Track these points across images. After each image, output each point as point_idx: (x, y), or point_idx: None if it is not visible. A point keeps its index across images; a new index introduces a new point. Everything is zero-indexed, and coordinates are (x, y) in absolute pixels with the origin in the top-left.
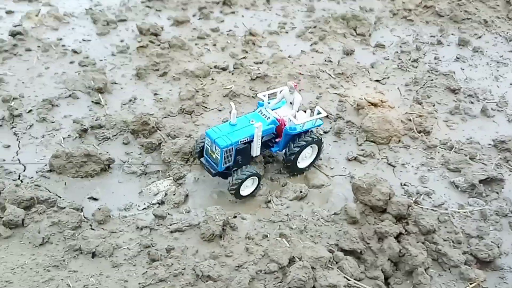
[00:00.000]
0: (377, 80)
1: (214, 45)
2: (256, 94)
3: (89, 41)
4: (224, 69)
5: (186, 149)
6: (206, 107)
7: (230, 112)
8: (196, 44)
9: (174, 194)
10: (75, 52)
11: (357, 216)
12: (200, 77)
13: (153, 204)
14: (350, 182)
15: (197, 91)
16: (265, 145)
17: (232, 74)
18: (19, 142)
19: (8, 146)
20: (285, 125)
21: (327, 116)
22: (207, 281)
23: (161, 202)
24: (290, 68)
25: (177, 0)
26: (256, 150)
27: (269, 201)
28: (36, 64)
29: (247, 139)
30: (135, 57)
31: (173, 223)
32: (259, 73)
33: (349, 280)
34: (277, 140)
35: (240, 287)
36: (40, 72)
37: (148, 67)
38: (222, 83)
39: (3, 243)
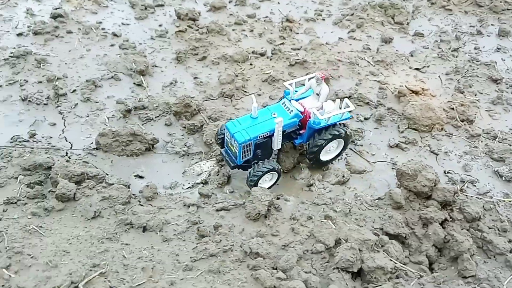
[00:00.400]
0: (417, 69)
1: (251, 31)
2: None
3: (128, 25)
4: (262, 54)
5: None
6: (245, 92)
7: (253, 103)
8: (233, 30)
9: (217, 175)
10: (115, 35)
11: (401, 202)
12: (239, 62)
13: (197, 183)
14: (393, 168)
15: (237, 76)
16: (288, 136)
17: (270, 59)
18: (65, 120)
19: (54, 124)
20: (310, 117)
21: (368, 104)
22: (255, 258)
23: (205, 182)
24: (328, 54)
25: None
26: (277, 144)
27: (311, 185)
28: (78, 46)
29: (267, 134)
30: (174, 41)
31: (218, 202)
32: (298, 59)
33: (395, 263)
34: (301, 132)
35: (288, 265)
36: (81, 54)
37: (188, 51)
38: (261, 68)
39: (56, 215)
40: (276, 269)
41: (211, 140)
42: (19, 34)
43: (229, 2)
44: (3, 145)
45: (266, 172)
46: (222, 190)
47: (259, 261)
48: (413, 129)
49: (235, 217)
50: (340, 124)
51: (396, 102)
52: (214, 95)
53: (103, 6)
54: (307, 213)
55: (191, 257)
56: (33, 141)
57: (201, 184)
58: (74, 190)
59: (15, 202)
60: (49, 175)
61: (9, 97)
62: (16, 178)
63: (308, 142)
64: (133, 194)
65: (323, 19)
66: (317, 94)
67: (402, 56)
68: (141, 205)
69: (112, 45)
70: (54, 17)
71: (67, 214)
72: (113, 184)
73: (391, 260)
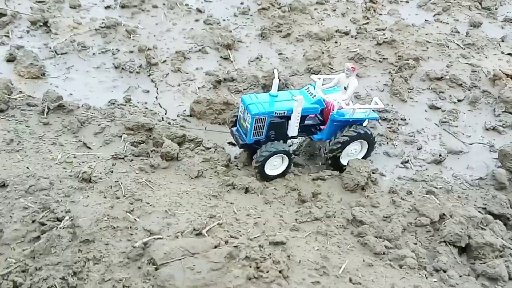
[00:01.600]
0: (509, 54)
1: (334, 10)
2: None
3: (211, 2)
4: (346, 33)
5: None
6: (332, 68)
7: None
8: (315, 9)
9: (309, 146)
10: (199, 11)
11: (505, 182)
12: (324, 40)
13: None
14: (490, 151)
15: (323, 53)
16: (307, 130)
17: (356, 38)
18: (157, 88)
19: (148, 91)
20: (333, 110)
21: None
22: (358, 226)
23: (297, 154)
24: (416, 36)
25: None
26: (293, 129)
27: (407, 162)
28: (164, 20)
29: (284, 113)
30: (256, 19)
31: (313, 172)
32: (386, 38)
33: (504, 241)
34: (322, 127)
35: (393, 235)
36: (168, 28)
37: (272, 28)
38: (347, 46)
39: (161, 172)
40: (380, 237)
41: None
42: (107, 7)
43: None
44: (103, 107)
45: (275, 154)
46: (314, 161)
47: (365, 228)
48: (510, 113)
49: (332, 187)
50: (365, 125)
51: (490, 85)
52: (300, 71)
53: None
54: (406, 188)
55: (296, 219)
56: (129, 105)
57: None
58: (177, 150)
59: (123, 158)
60: (150, 136)
61: (102, 65)
62: (120, 136)
63: (328, 140)
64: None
65: (407, 2)
66: (345, 88)
67: (493, 41)
68: (239, 169)
69: (196, 20)
70: None
71: (171, 172)
72: (210, 148)
73: (498, 238)
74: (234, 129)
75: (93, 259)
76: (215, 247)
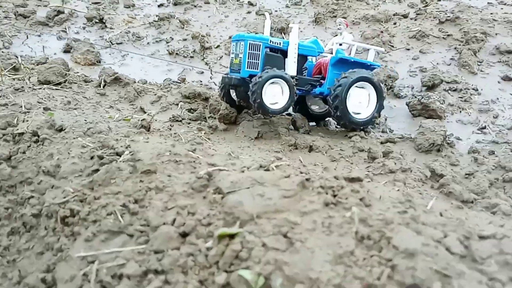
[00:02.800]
0: None
1: None
2: None
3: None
4: (405, 16)
5: (381, 77)
6: (393, 46)
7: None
8: None
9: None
10: (250, 4)
11: None
12: (382, 22)
13: None
14: None
15: (382, 32)
16: (307, 84)
17: (415, 20)
18: (211, 69)
19: (202, 72)
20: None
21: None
22: (438, 180)
23: None
24: (480, 15)
25: None
26: (291, 66)
27: (484, 127)
28: (216, 13)
29: (279, 44)
30: (309, 8)
31: (381, 136)
32: (449, 16)
33: None
34: (322, 82)
35: (479, 189)
36: (220, 19)
37: (326, 14)
38: (407, 26)
39: (220, 134)
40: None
41: None
42: (160, 5)
43: None
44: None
45: (271, 78)
46: (381, 129)
47: (447, 179)
48: None
49: (404, 149)
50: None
51: None
52: (359, 50)
53: None
54: (488, 149)
55: (367, 172)
56: (184, 84)
57: None
58: (236, 114)
59: (180, 120)
60: (207, 105)
61: (156, 52)
62: (177, 104)
63: (329, 91)
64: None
65: None
66: (340, 45)
67: None
68: (301, 133)
69: (248, 12)
70: None
71: (231, 134)
72: None
73: None
74: (224, 76)
75: (155, 188)
76: (285, 178)
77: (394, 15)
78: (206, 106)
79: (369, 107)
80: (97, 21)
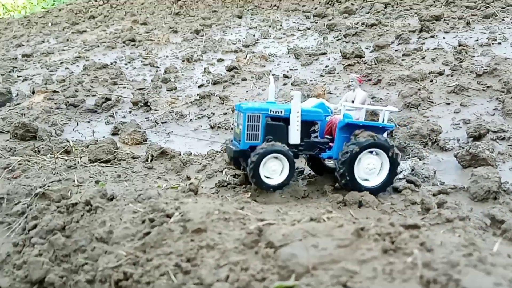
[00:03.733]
0: None
1: (423, 58)
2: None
3: (296, 69)
4: (440, 73)
5: (424, 132)
6: (432, 102)
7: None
8: (403, 60)
9: (422, 169)
10: (286, 77)
11: None
12: (418, 80)
13: (400, 179)
14: None
15: (419, 89)
16: (314, 147)
17: (452, 76)
18: None
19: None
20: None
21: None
22: (499, 227)
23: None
24: None
25: (372, 33)
26: (294, 134)
27: None
28: (253, 88)
29: (281, 112)
30: (343, 75)
31: (431, 189)
32: (486, 69)
33: None
34: (330, 144)
35: None
36: (258, 92)
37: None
38: (444, 82)
39: (266, 196)
40: None
41: (404, 142)
42: (200, 85)
43: (392, 43)
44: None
45: (270, 153)
46: (431, 182)
47: (510, 224)
48: None
49: (458, 199)
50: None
51: None
52: (399, 107)
53: (269, 60)
54: None
55: (424, 221)
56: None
57: (404, 180)
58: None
59: (226, 185)
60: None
61: (199, 127)
62: (222, 171)
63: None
64: None
65: (499, 43)
66: (353, 102)
67: None
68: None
69: (284, 84)
70: (229, 69)
71: (276, 195)
72: (314, 176)
73: None
74: (227, 141)
75: (206, 246)
76: (338, 227)
77: (429, 73)
78: None
79: (381, 174)
80: (142, 104)
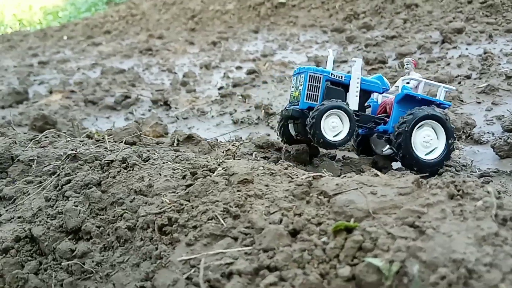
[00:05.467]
0: None
1: (448, 64)
2: None
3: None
4: (468, 77)
5: (458, 125)
6: (462, 101)
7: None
8: (427, 65)
9: (459, 158)
10: None
11: None
12: (446, 82)
13: None
14: None
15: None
16: (370, 122)
17: (480, 79)
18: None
19: (269, 135)
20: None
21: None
22: None
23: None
24: None
25: (393, 44)
26: (353, 100)
27: None
28: (274, 89)
29: (341, 77)
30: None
31: (473, 172)
32: None
33: None
34: (386, 120)
35: None
36: (280, 93)
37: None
38: (473, 84)
39: None
40: None
41: None
42: (220, 88)
43: (414, 52)
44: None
45: (331, 108)
46: (468, 170)
47: None
48: None
49: (503, 182)
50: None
51: None
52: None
53: (289, 67)
54: None
55: None
56: None
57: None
58: (308, 152)
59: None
60: (280, 155)
61: (221, 122)
62: (251, 154)
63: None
64: None
65: None
66: (407, 83)
67: None
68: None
69: None
70: (250, 72)
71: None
72: (349, 158)
73: None
74: (283, 109)
75: (254, 196)
76: (396, 179)
77: (456, 76)
78: (280, 155)
79: (438, 149)
80: (161, 103)
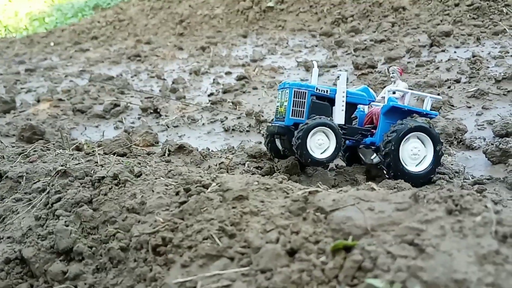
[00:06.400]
0: None
1: (437, 68)
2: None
3: (307, 80)
4: (457, 81)
5: (450, 130)
6: (452, 105)
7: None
8: (417, 70)
9: (452, 164)
10: None
11: None
12: (435, 86)
13: None
14: None
15: (438, 94)
16: (357, 134)
17: (469, 83)
18: None
19: (260, 142)
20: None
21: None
22: None
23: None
24: None
25: (382, 48)
26: (339, 114)
27: None
28: (265, 95)
29: (326, 91)
30: (357, 83)
31: (466, 179)
32: (505, 75)
33: None
34: (373, 131)
35: None
36: (270, 99)
37: (376, 85)
38: (463, 88)
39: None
40: None
41: None
42: (210, 94)
43: (403, 56)
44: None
45: (316, 126)
46: (461, 177)
47: None
48: None
49: (497, 189)
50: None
51: None
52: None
53: (279, 72)
54: None
55: None
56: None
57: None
58: (298, 165)
59: (247, 172)
60: (273, 165)
61: (212, 130)
62: (244, 164)
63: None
64: None
65: None
66: (393, 93)
67: None
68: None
69: None
70: (239, 79)
71: (305, 184)
72: (343, 166)
73: None
74: (269, 124)
75: (250, 213)
76: (393, 193)
77: (446, 81)
78: (273, 165)
79: (427, 158)
80: (151, 111)
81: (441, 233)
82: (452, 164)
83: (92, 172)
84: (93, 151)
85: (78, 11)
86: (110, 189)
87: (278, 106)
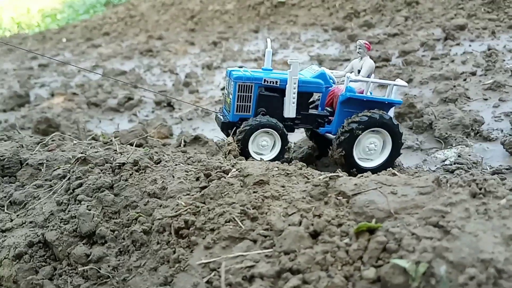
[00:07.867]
0: None
1: (452, 61)
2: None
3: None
4: (473, 73)
5: (466, 122)
6: (468, 98)
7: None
8: (432, 62)
9: (469, 155)
10: None
11: None
12: (451, 79)
13: (446, 165)
14: None
15: (454, 86)
16: (312, 121)
17: (485, 75)
18: None
19: None
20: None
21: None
22: None
23: (455, 163)
24: None
25: (396, 41)
26: (289, 107)
27: None
28: None
29: (276, 82)
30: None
31: (484, 169)
32: None
33: None
34: (331, 118)
35: None
36: None
37: (391, 78)
38: (479, 80)
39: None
40: None
41: (445, 133)
42: (223, 88)
43: (417, 49)
44: None
45: (260, 127)
46: (479, 168)
47: None
48: None
49: None
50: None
51: None
52: (434, 103)
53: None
54: None
55: None
56: None
57: (453, 164)
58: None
59: None
60: (288, 156)
61: None
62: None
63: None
64: None
65: None
66: (359, 72)
67: None
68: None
69: None
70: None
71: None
72: None
73: None
74: (218, 112)
75: (271, 197)
76: (415, 178)
77: (461, 73)
78: (288, 155)
79: (384, 151)
80: (165, 105)
81: (466, 215)
82: (469, 155)
83: (112, 159)
84: (110, 141)
85: (89, 8)
86: (130, 175)
87: (225, 94)
